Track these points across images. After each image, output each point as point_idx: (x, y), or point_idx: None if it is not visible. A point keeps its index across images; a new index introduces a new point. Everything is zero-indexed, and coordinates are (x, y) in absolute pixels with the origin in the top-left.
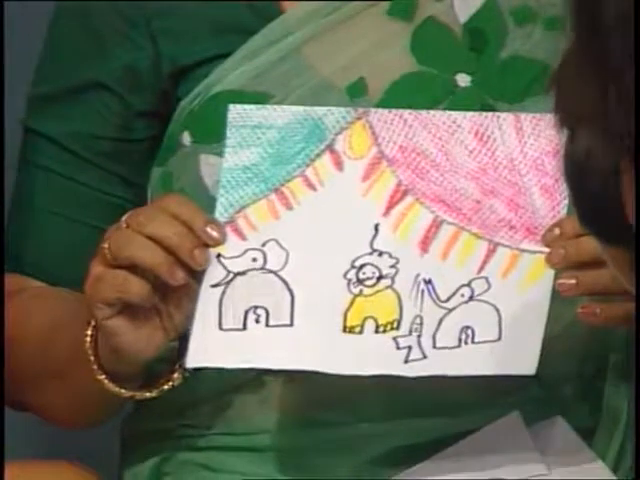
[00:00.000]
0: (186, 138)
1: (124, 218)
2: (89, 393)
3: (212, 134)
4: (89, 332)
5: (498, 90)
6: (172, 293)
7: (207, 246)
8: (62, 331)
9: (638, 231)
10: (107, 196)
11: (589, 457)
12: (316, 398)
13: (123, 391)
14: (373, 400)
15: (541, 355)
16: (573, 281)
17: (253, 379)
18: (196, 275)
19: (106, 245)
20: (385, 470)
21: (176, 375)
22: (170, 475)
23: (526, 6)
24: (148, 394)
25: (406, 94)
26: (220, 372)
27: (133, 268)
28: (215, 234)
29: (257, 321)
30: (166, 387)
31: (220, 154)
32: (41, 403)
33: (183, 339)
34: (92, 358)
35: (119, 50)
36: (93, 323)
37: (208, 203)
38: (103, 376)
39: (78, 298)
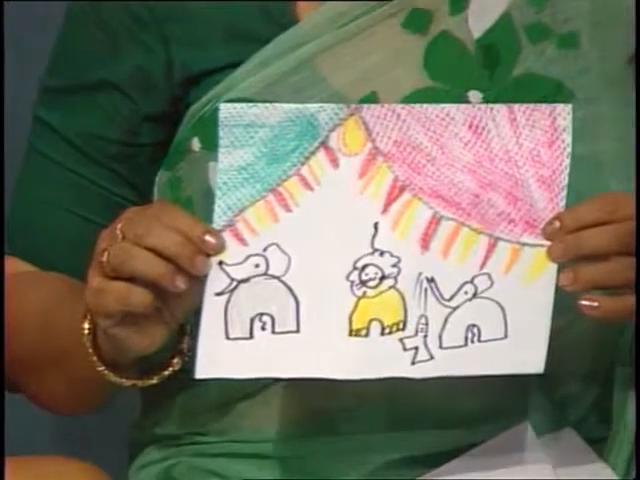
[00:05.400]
0: (195, 144)
1: (119, 227)
2: (86, 379)
3: None
4: (86, 325)
5: None
6: (172, 292)
7: (207, 255)
8: (59, 316)
9: (638, 233)
10: (109, 194)
11: (600, 467)
12: (324, 407)
13: (124, 380)
14: (381, 410)
15: (551, 366)
16: (572, 274)
17: (262, 387)
18: (198, 276)
19: (104, 259)
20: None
21: (176, 360)
22: None
23: (540, 23)
24: (149, 381)
25: None
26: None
27: (133, 278)
28: (214, 241)
29: (263, 328)
30: (166, 373)
31: None
32: (37, 388)
33: (182, 325)
34: (91, 350)
35: (130, 51)
36: (89, 317)
37: None
38: (103, 367)
39: (75, 283)
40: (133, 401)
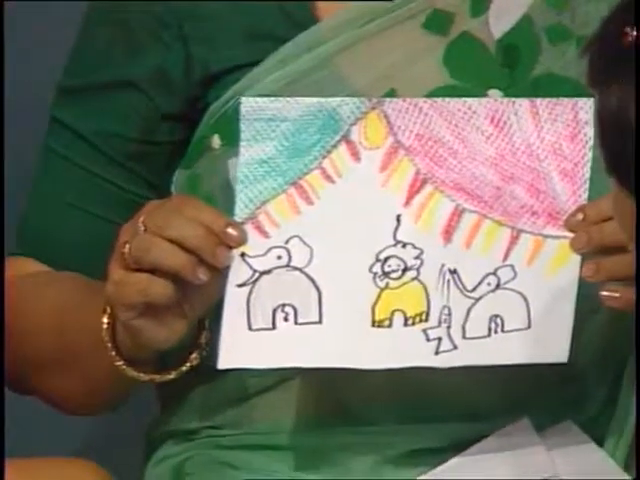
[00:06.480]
0: (216, 141)
1: (141, 220)
2: (102, 378)
3: None
4: (105, 320)
5: None
6: (193, 285)
7: (229, 247)
8: (75, 315)
9: (638, 232)
10: (126, 193)
11: (601, 458)
12: (340, 399)
13: (142, 375)
14: (393, 403)
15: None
16: (594, 266)
17: (278, 381)
18: (220, 269)
19: (126, 250)
20: (402, 472)
21: (194, 355)
22: (192, 475)
23: (560, 25)
24: (167, 376)
25: None
26: (243, 374)
27: (154, 270)
28: (236, 233)
29: (286, 319)
30: (184, 368)
31: None
32: (52, 388)
33: (201, 320)
34: (109, 345)
35: (150, 49)
36: (109, 310)
37: None
38: (121, 362)
39: (90, 282)
40: (143, 401)
